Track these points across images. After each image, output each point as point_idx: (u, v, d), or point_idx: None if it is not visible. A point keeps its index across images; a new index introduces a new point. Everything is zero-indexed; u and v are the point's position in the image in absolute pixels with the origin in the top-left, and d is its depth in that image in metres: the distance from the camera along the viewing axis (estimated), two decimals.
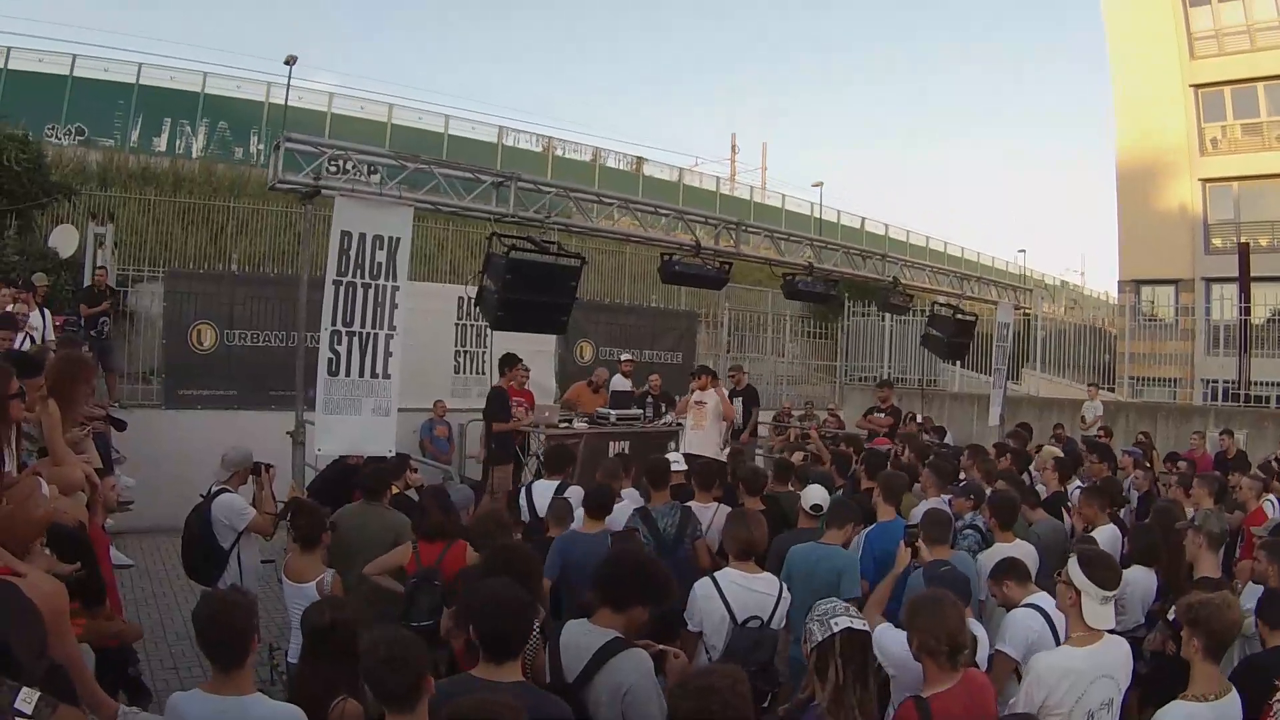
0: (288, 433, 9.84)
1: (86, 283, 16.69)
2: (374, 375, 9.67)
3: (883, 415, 16.82)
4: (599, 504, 7.56)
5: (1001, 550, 7.23)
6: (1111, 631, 5.12)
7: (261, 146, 31.99)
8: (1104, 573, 5.00)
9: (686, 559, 7.59)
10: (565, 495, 8.58)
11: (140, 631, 7.10)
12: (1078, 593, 4.97)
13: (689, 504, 8.37)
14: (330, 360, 9.46)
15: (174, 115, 33.12)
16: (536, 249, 11.02)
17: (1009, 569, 6.13)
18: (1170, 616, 6.60)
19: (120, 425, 10.80)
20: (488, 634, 4.15)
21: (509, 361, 14.23)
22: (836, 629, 4.29)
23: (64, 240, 18.19)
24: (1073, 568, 5.05)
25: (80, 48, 33.66)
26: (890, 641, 5.20)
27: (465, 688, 3.98)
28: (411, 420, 16.31)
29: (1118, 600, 5.43)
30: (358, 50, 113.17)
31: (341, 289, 9.48)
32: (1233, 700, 4.81)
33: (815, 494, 7.82)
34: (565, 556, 7.10)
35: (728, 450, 13.88)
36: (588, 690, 4.53)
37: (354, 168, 10.08)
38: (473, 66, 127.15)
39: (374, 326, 9.67)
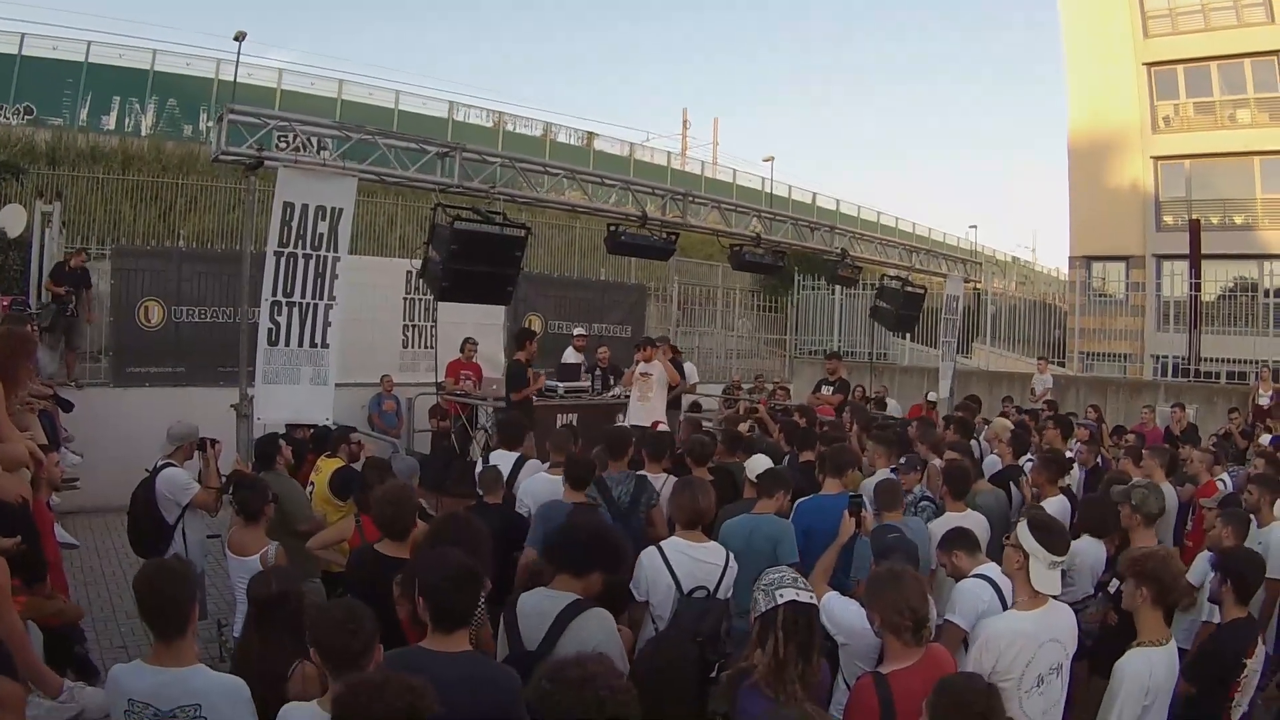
0: (232, 406, 9.76)
1: (58, 260, 16.42)
2: (313, 345, 9.60)
3: (831, 388, 16.84)
4: (581, 476, 7.48)
5: (952, 520, 7.22)
6: (1058, 599, 5.13)
7: (211, 124, 31.41)
8: (1053, 538, 4.98)
9: (640, 528, 7.54)
10: (523, 467, 8.67)
11: (81, 612, 7.00)
12: (1025, 556, 4.95)
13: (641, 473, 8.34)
14: (270, 331, 9.37)
15: (123, 93, 32.86)
16: (482, 219, 10.93)
17: (958, 539, 6.09)
18: (1111, 589, 6.69)
19: (67, 406, 10.71)
20: (435, 604, 4.09)
21: (526, 335, 14.35)
22: (780, 600, 4.23)
23: (11, 219, 17.94)
24: (1022, 531, 5.04)
25: (28, 26, 33.29)
26: (839, 610, 5.20)
27: (415, 660, 3.97)
28: (360, 395, 16.47)
29: (1066, 570, 5.46)
30: (309, 27, 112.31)
31: (283, 260, 9.39)
32: (1174, 647, 4.97)
33: (760, 463, 7.70)
34: (548, 527, 7.06)
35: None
36: (553, 655, 4.48)
37: (302, 143, 10.00)
38: (424, 43, 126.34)
39: (314, 297, 9.58)
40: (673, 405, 15.56)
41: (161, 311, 16.28)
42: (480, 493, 7.98)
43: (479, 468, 9.32)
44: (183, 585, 4.16)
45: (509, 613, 4.86)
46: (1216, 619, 6.19)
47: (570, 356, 16.91)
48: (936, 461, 9.04)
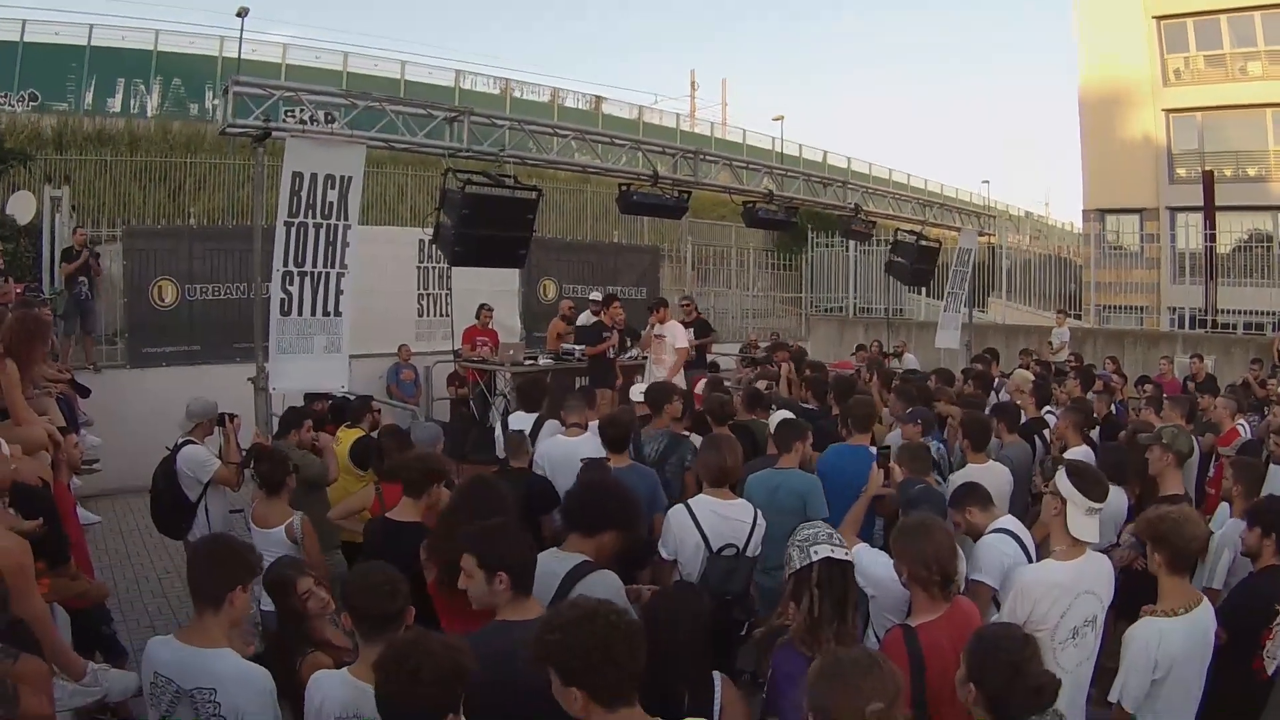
0: (249, 379, 9.73)
1: (65, 245, 16.32)
2: (326, 314, 9.60)
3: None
4: (618, 439, 7.37)
5: (973, 471, 7.16)
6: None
7: (216, 102, 31.40)
8: (1092, 484, 4.89)
9: (666, 484, 7.43)
10: (541, 429, 8.58)
11: (106, 591, 6.97)
12: (1063, 502, 4.85)
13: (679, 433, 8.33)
14: (283, 301, 9.37)
15: (127, 75, 32.85)
16: (492, 183, 10.88)
17: (969, 495, 5.89)
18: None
19: (84, 392, 10.70)
20: (515, 573, 4.02)
21: (610, 299, 15.35)
22: (815, 557, 4.16)
23: (21, 207, 17.96)
24: (1060, 478, 4.95)
25: (29, 12, 33.26)
26: (868, 562, 5.14)
27: (505, 633, 3.89)
28: (377, 365, 16.55)
29: None
30: (311, 2, 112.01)
31: (293, 230, 9.37)
32: (1205, 610, 4.81)
33: (779, 418, 7.71)
34: None
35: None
36: None
37: (310, 116, 9.96)
38: (428, 14, 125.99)
39: (326, 265, 9.58)
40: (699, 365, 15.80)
41: (175, 291, 16.18)
42: (505, 457, 7.98)
43: (498, 433, 9.36)
44: (226, 556, 4.12)
45: None
46: (1216, 585, 6.11)
47: (588, 320, 16.93)
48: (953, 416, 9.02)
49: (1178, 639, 4.64)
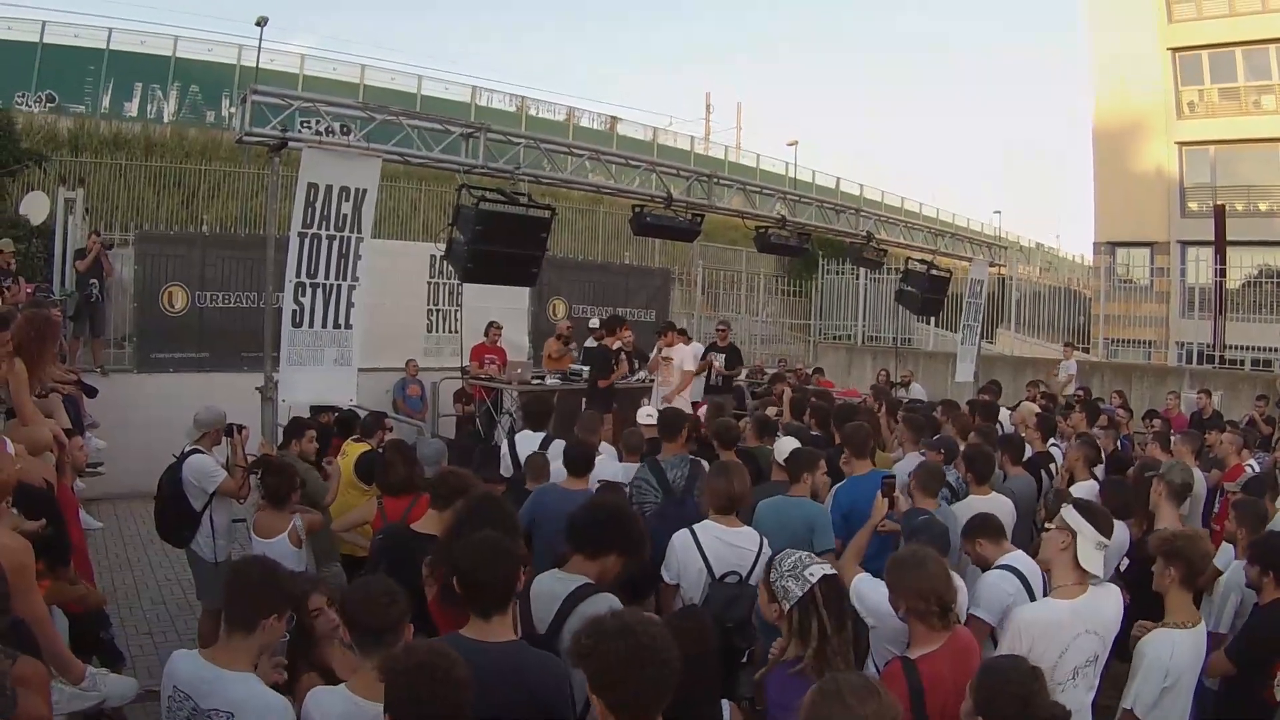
0: (257, 388, 9.72)
1: (79, 247, 16.43)
2: (336, 326, 9.61)
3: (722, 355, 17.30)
4: (581, 461, 7.40)
5: (976, 504, 7.14)
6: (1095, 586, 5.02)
7: (233, 109, 31.47)
8: (1101, 519, 4.88)
9: (693, 512, 7.43)
10: (549, 449, 8.56)
11: (103, 599, 6.93)
12: (1073, 535, 4.81)
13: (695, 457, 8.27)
14: (294, 312, 9.36)
15: (145, 80, 33.01)
16: (507, 200, 10.89)
17: (981, 526, 5.95)
18: (1122, 568, 6.64)
19: (91, 392, 10.71)
20: (473, 587, 3.99)
21: (616, 321, 15.29)
22: (814, 579, 4.11)
23: (34, 207, 17.99)
24: (1069, 512, 4.91)
25: (49, 14, 33.41)
26: (869, 591, 5.11)
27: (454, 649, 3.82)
28: (384, 379, 16.49)
29: None
30: (330, 12, 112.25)
31: (306, 241, 9.37)
32: (1203, 629, 4.97)
33: (788, 446, 7.61)
34: (537, 509, 6.99)
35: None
36: (559, 638, 4.44)
37: (326, 128, 9.97)
38: (446, 28, 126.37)
39: (338, 278, 9.58)
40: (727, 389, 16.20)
41: (185, 297, 16.21)
42: (509, 475, 7.98)
43: (503, 451, 9.35)
44: (262, 579, 4.01)
45: (524, 594, 4.78)
46: (1223, 629, 6.10)
47: (593, 342, 16.95)
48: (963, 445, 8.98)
49: (1187, 651, 4.77)
